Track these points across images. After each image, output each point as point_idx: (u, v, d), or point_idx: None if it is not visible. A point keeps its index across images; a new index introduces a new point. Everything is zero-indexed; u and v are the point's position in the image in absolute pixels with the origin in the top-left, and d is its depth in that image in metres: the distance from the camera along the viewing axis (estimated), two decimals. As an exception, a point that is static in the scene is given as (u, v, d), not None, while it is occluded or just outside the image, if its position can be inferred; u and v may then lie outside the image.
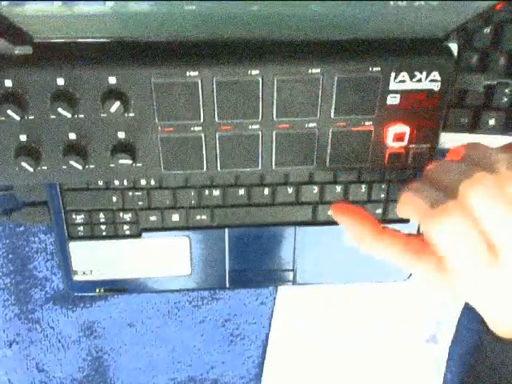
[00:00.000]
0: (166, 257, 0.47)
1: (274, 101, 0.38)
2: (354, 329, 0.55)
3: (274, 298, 0.53)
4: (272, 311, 0.54)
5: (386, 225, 0.35)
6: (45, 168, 0.39)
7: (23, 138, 0.38)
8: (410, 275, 0.50)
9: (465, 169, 0.31)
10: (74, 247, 0.46)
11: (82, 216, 0.45)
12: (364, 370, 0.56)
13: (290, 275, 0.49)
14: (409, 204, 0.33)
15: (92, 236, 0.46)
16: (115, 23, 0.33)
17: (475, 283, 0.32)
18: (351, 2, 0.32)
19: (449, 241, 0.30)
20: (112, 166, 0.39)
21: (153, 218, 0.46)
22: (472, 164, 0.31)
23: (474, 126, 0.45)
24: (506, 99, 0.43)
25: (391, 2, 0.33)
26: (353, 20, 0.35)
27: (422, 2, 0.33)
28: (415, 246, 0.34)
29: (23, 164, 0.37)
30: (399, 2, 0.33)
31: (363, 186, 0.46)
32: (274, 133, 0.39)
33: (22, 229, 0.48)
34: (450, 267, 0.31)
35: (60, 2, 0.30)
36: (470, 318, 0.55)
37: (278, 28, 0.36)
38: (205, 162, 0.40)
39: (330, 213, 0.46)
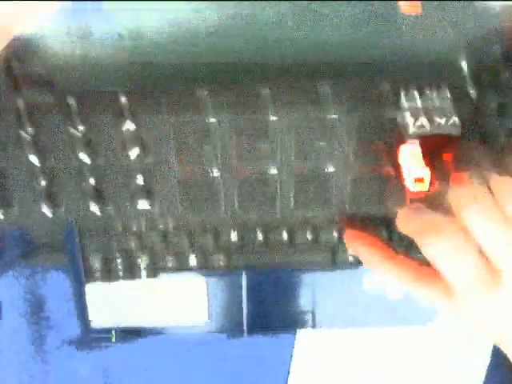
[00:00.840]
0: (182, 300, 0.47)
1: (292, 146, 0.38)
2: (376, 375, 0.53)
3: (293, 342, 0.52)
4: (291, 355, 0.52)
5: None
6: (63, 213, 0.39)
7: (42, 183, 0.38)
8: (434, 318, 0.49)
9: (463, 190, 0.31)
10: (91, 291, 0.46)
11: (99, 260, 0.45)
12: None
13: (310, 318, 0.48)
14: (404, 222, 0.34)
15: (108, 280, 0.46)
16: (134, 73, 0.34)
17: (481, 306, 0.32)
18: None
19: (442, 259, 0.30)
20: (130, 210, 0.39)
21: (170, 261, 0.45)
22: (471, 186, 0.32)
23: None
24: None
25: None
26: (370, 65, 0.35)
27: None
28: (425, 272, 0.34)
29: (42, 209, 0.38)
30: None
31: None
32: (291, 178, 0.39)
33: (38, 270, 0.48)
34: (456, 292, 0.32)
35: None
36: (498, 365, 0.53)
37: (297, 75, 0.36)
38: (222, 206, 0.40)
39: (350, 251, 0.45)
